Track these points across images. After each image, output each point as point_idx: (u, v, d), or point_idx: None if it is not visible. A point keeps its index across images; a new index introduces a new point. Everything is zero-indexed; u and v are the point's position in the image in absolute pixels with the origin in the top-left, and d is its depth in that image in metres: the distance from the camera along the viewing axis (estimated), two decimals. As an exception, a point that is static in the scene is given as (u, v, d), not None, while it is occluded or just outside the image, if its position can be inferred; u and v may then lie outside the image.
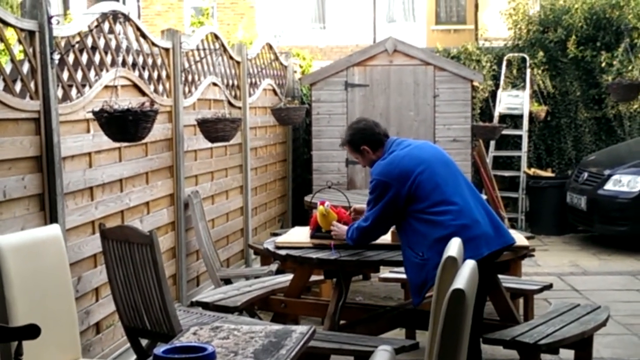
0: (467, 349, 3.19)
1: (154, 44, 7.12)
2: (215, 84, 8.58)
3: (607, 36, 13.02)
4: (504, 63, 13.22)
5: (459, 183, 5.46)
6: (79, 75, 5.83)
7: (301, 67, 13.61)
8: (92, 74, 6.01)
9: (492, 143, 13.13)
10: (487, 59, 13.26)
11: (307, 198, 9.44)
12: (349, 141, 5.74)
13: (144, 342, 5.60)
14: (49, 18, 5.25)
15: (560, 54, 13.26)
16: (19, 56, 5.28)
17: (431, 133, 10.92)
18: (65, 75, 5.62)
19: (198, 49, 8.16)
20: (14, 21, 5.00)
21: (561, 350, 5.82)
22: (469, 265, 3.26)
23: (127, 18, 6.46)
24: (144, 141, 6.20)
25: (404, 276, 6.07)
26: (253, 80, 10.09)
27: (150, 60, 7.05)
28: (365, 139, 5.65)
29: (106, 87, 6.05)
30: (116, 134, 5.47)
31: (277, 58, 11.31)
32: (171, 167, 7.42)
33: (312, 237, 6.07)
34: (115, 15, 6.26)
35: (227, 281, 7.73)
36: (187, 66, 7.78)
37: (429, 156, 5.47)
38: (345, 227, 5.81)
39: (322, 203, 5.98)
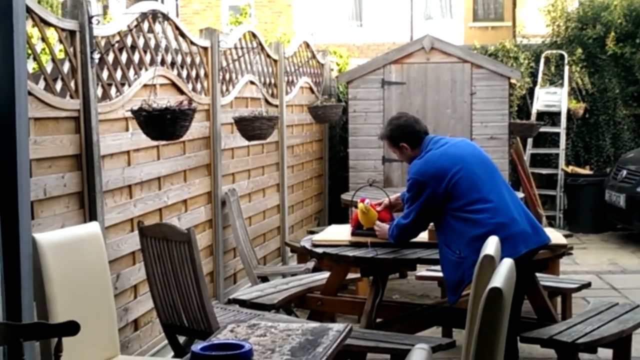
0: (504, 348, 3.18)
1: (192, 43, 7.16)
2: (252, 83, 8.61)
3: (647, 33, 12.92)
4: (542, 60, 13.13)
5: (496, 181, 5.45)
6: (119, 74, 5.88)
7: (338, 65, 13.61)
8: (131, 73, 6.06)
9: (530, 140, 13.05)
10: (524, 56, 13.18)
11: (344, 196, 9.44)
12: (389, 136, 5.74)
13: (181, 339, 5.64)
14: (90, 18, 5.31)
15: (599, 51, 13.15)
16: (60, 55, 5.34)
17: (468, 131, 10.88)
18: (104, 74, 5.68)
19: (236, 48, 8.20)
20: (55, 21, 5.06)
21: (599, 350, 5.78)
22: (507, 263, 3.25)
23: (166, 17, 6.50)
24: (181, 139, 6.24)
25: (440, 274, 6.07)
26: (290, 78, 10.12)
27: (188, 59, 7.10)
28: (404, 136, 5.65)
29: (145, 86, 6.10)
30: (154, 132, 5.51)
31: (314, 56, 11.32)
32: (209, 165, 7.47)
33: (353, 234, 6.09)
34: (154, 15, 6.31)
35: (264, 279, 7.76)
36: (224, 65, 7.82)
37: (466, 154, 5.46)
38: (387, 226, 5.82)
39: (362, 200, 6.00)
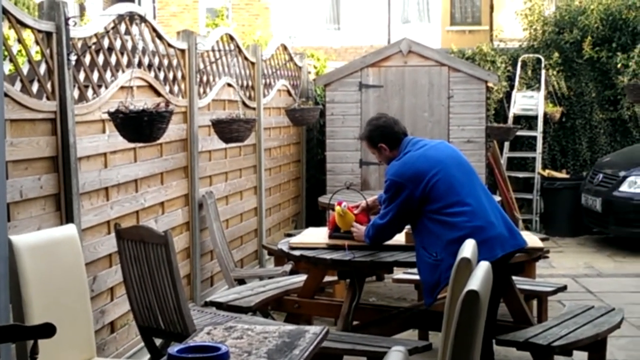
0: (480, 351, 3.19)
1: (169, 45, 7.15)
2: (229, 85, 8.60)
3: (623, 37, 12.98)
4: (519, 64, 13.20)
5: (474, 184, 5.46)
6: (95, 76, 5.86)
7: (315, 67, 13.62)
8: (108, 74, 6.04)
9: (507, 144, 13.11)
10: (502, 60, 13.24)
11: (322, 199, 9.44)
12: (367, 137, 5.75)
13: (158, 341, 5.62)
14: (66, 19, 5.29)
15: (576, 55, 13.23)
16: (36, 57, 5.31)
17: (445, 134, 10.91)
18: (81, 76, 5.66)
19: (213, 50, 8.19)
20: (31, 22, 5.04)
21: (575, 352, 5.81)
22: (483, 266, 3.27)
23: (143, 19, 6.49)
24: (159, 142, 6.23)
25: (417, 277, 6.07)
26: (267, 81, 10.11)
27: (165, 61, 7.08)
28: (383, 137, 5.65)
29: (122, 87, 6.08)
30: (131, 134, 5.50)
31: (291, 59, 11.33)
32: (186, 168, 7.45)
33: (330, 237, 6.08)
34: (131, 17, 6.29)
35: (241, 281, 7.75)
36: (202, 67, 7.81)
37: (444, 157, 5.47)
38: (364, 227, 5.82)
39: (340, 203, 5.99)
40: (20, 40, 5.00)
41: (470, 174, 5.52)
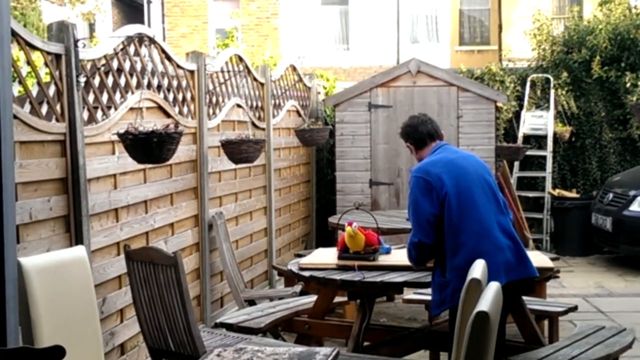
0: (491, 372, 3.18)
1: (179, 66, 7.17)
2: (239, 106, 8.62)
3: (632, 57, 12.96)
4: (528, 84, 13.19)
5: (491, 205, 5.32)
6: (105, 97, 5.88)
7: (325, 88, 13.64)
8: (117, 96, 6.06)
9: (516, 164, 13.08)
10: (511, 79, 13.22)
11: (332, 219, 9.43)
12: (401, 134, 5.83)
13: (168, 363, 5.61)
14: (75, 41, 5.31)
15: (585, 75, 13.21)
16: (45, 79, 5.33)
17: (455, 154, 10.88)
18: (90, 97, 5.67)
19: (222, 71, 8.21)
20: (40, 45, 5.06)
21: (587, 373, 5.78)
22: (493, 287, 3.26)
23: (152, 41, 6.51)
24: (168, 163, 6.24)
25: (427, 297, 6.05)
26: (277, 101, 10.13)
27: (175, 83, 7.10)
28: (407, 135, 5.71)
29: (131, 109, 6.10)
30: (141, 155, 5.50)
31: (300, 79, 11.35)
32: (195, 189, 7.46)
33: (339, 257, 6.06)
34: (140, 38, 6.32)
35: (251, 302, 7.73)
36: (211, 88, 7.83)
37: (471, 169, 5.34)
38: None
39: (350, 224, 5.97)
40: (29, 62, 5.02)
41: (488, 194, 5.37)
